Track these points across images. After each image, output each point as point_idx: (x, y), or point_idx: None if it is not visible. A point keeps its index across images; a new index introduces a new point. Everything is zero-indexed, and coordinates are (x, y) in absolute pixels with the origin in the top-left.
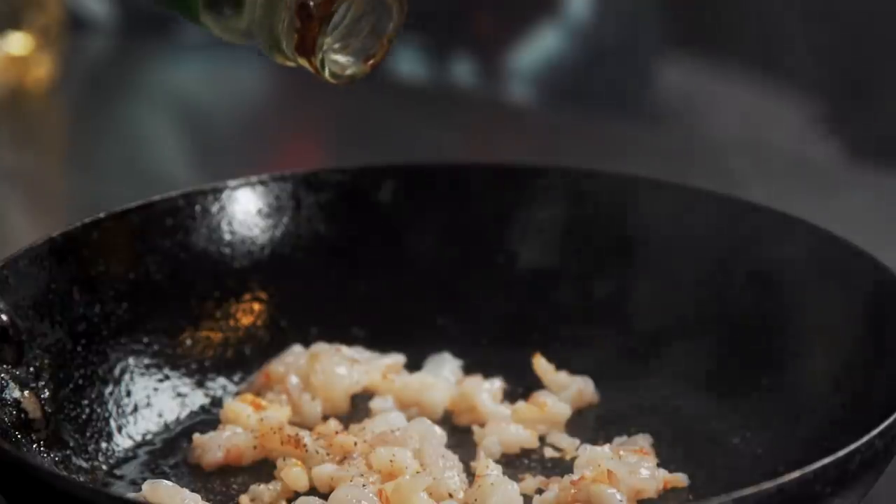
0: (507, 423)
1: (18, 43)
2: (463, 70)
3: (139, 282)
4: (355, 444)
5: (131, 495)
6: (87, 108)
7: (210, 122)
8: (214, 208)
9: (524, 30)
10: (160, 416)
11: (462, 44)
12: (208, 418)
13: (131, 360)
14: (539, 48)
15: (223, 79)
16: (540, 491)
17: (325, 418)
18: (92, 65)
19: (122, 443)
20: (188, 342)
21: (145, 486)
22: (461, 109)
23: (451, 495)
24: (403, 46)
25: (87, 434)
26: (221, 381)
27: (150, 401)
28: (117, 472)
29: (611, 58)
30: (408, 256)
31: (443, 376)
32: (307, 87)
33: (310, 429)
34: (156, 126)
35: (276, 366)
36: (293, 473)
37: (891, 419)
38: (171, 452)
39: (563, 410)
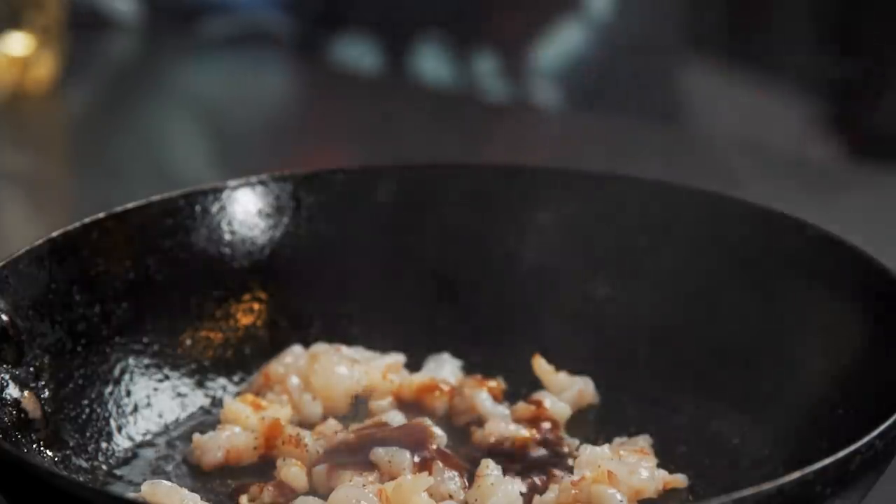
0: (506, 423)
1: (19, 43)
2: (485, 70)
3: (139, 282)
4: None
5: (131, 495)
6: (109, 106)
7: (231, 121)
8: (214, 208)
9: (546, 30)
10: (160, 416)
11: (485, 44)
12: (208, 418)
13: (131, 360)
14: (561, 48)
15: (245, 77)
16: (540, 491)
17: (325, 418)
18: (114, 63)
19: (122, 443)
20: (188, 342)
21: (145, 486)
22: (483, 110)
23: (451, 495)
24: (425, 47)
25: (87, 434)
26: (221, 381)
27: (150, 401)
28: (117, 472)
29: (633, 57)
30: (408, 256)
31: (443, 376)
32: (329, 87)
33: (310, 429)
34: (176, 125)
35: (276, 366)
36: (293, 473)
37: (891, 419)
38: (171, 452)
39: (563, 410)
